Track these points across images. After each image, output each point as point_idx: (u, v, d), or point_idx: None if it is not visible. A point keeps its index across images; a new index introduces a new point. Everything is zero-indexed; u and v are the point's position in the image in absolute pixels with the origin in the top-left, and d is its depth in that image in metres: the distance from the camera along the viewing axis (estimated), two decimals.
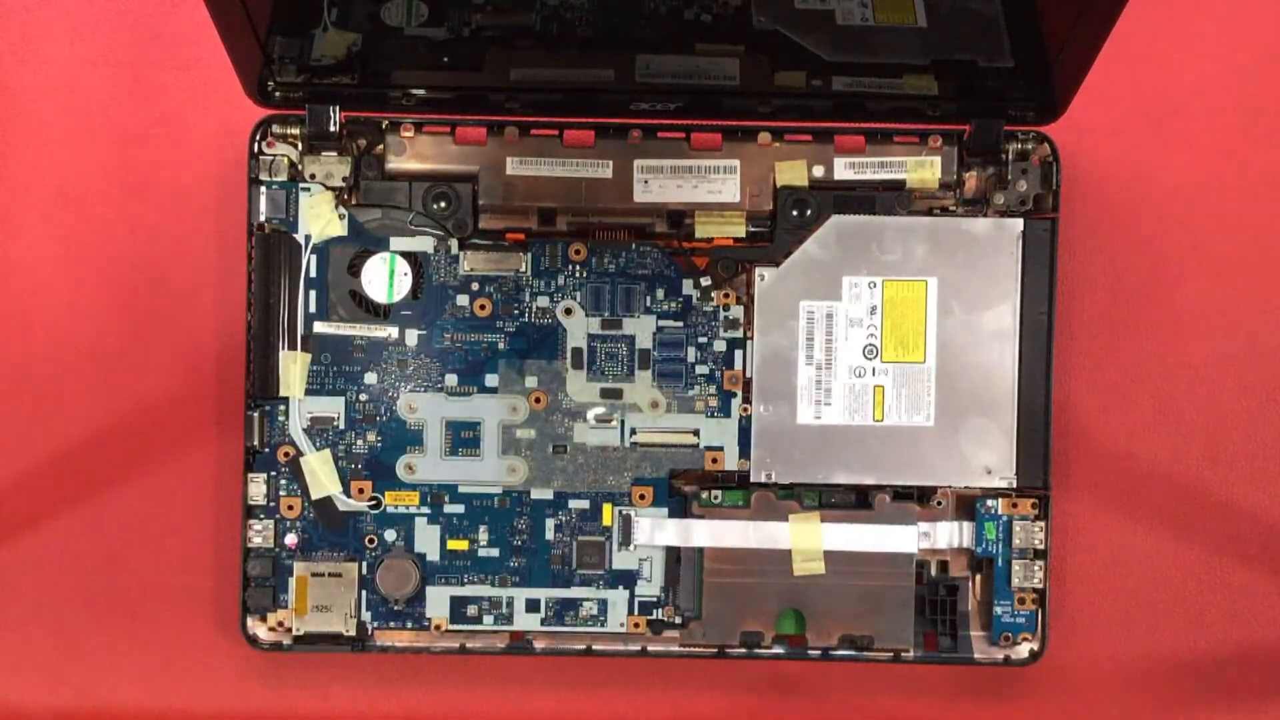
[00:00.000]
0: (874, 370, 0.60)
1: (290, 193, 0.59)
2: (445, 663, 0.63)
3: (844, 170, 0.60)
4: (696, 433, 0.60)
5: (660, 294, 0.60)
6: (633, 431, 0.60)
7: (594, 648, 0.61)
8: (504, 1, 0.53)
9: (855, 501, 0.60)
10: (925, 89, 0.57)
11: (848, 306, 0.60)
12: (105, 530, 0.63)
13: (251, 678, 0.63)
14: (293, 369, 0.59)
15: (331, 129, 0.58)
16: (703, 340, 0.60)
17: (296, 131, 0.59)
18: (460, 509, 0.60)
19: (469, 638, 0.61)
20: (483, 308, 0.60)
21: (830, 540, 0.60)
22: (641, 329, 0.60)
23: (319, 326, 0.60)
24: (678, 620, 0.60)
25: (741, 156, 0.60)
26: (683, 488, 0.60)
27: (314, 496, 0.60)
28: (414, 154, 0.60)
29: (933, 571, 0.61)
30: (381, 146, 0.60)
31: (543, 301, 0.60)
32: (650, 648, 0.61)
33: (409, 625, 0.60)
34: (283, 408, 0.60)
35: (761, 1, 0.53)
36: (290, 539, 0.60)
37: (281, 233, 0.59)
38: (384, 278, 0.60)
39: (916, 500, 0.60)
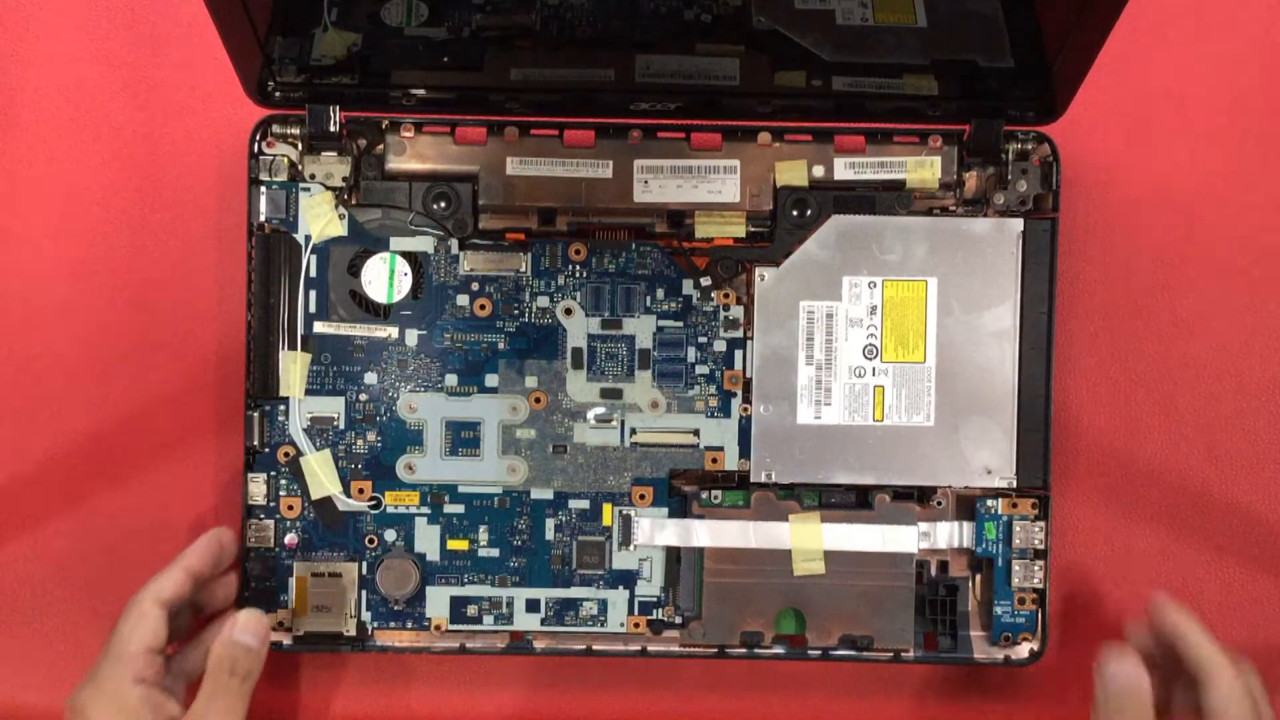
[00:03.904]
0: (874, 370, 0.60)
1: (290, 193, 0.59)
2: (445, 663, 0.63)
3: (844, 170, 0.60)
4: (696, 433, 0.60)
5: (660, 294, 0.60)
6: (633, 431, 0.60)
7: (594, 648, 0.61)
8: (504, 1, 0.53)
9: (855, 501, 0.60)
10: (925, 89, 0.57)
11: (848, 306, 0.60)
12: (105, 530, 0.63)
13: None
14: (293, 369, 0.59)
15: (331, 129, 0.58)
16: (703, 340, 0.60)
17: (296, 131, 0.59)
18: (460, 509, 0.60)
19: (469, 638, 0.61)
20: (483, 308, 0.60)
21: (830, 540, 0.60)
22: (641, 329, 0.60)
23: (319, 326, 0.60)
24: (678, 620, 0.60)
25: (741, 156, 0.60)
26: (683, 488, 0.60)
27: (314, 496, 0.60)
28: (414, 154, 0.60)
29: (933, 571, 0.61)
30: (381, 146, 0.60)
31: (543, 301, 0.60)
32: (650, 648, 0.61)
33: (409, 625, 0.60)
34: (283, 408, 0.60)
35: (761, 1, 0.53)
36: (290, 539, 0.60)
37: (281, 233, 0.59)
38: (384, 278, 0.60)
39: (916, 500, 0.60)
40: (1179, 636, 0.56)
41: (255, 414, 0.59)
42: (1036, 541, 0.60)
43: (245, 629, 0.54)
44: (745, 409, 0.60)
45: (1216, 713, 0.54)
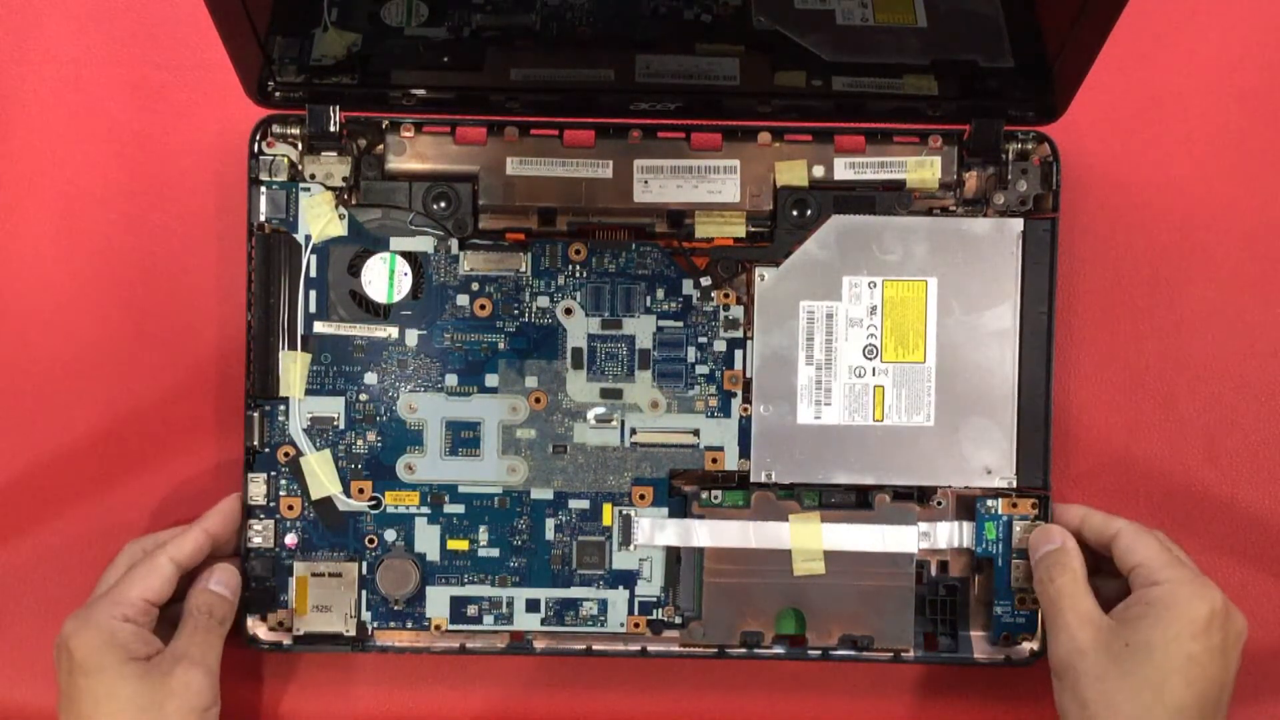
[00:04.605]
0: (874, 370, 0.60)
1: (290, 193, 0.59)
2: (445, 663, 0.63)
3: (844, 170, 0.60)
4: (696, 433, 0.60)
5: (660, 294, 0.60)
6: (633, 431, 0.60)
7: (594, 648, 0.61)
8: (504, 1, 0.53)
9: (855, 501, 0.60)
10: (925, 89, 0.57)
11: (848, 306, 0.60)
12: (105, 530, 0.63)
13: (251, 678, 0.63)
14: (293, 369, 0.59)
15: (331, 129, 0.58)
16: (703, 340, 0.60)
17: (296, 131, 0.59)
18: (460, 509, 0.60)
19: (469, 638, 0.61)
20: (483, 308, 0.60)
21: (830, 540, 0.60)
22: (641, 329, 0.60)
23: (319, 326, 0.60)
24: (678, 620, 0.60)
25: (741, 156, 0.60)
26: (683, 488, 0.60)
27: (314, 496, 0.60)
28: (414, 154, 0.60)
29: (933, 571, 0.61)
30: (381, 146, 0.60)
31: (543, 301, 0.60)
32: (650, 648, 0.61)
33: (409, 625, 0.60)
34: (283, 408, 0.60)
35: (761, 1, 0.53)
36: (290, 539, 0.60)
37: (281, 233, 0.59)
38: (384, 278, 0.60)
39: (916, 500, 0.60)
40: (1082, 527, 0.59)
41: (255, 414, 0.59)
42: None
43: (219, 581, 0.58)
44: (745, 409, 0.60)
45: (1135, 563, 0.56)
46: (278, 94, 0.57)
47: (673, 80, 0.57)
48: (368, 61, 0.56)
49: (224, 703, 0.57)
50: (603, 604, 0.60)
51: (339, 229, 0.60)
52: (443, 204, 0.60)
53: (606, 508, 0.60)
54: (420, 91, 0.58)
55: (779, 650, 0.60)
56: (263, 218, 0.59)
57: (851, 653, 0.60)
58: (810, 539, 0.60)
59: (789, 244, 0.60)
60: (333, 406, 0.60)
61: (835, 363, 0.60)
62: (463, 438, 0.60)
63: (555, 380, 0.60)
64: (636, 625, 0.60)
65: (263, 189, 0.59)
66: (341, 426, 0.60)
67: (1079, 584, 0.56)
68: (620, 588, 0.60)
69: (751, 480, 0.60)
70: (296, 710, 0.63)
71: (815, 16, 0.53)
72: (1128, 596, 0.56)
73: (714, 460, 0.60)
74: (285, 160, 0.60)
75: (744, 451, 0.60)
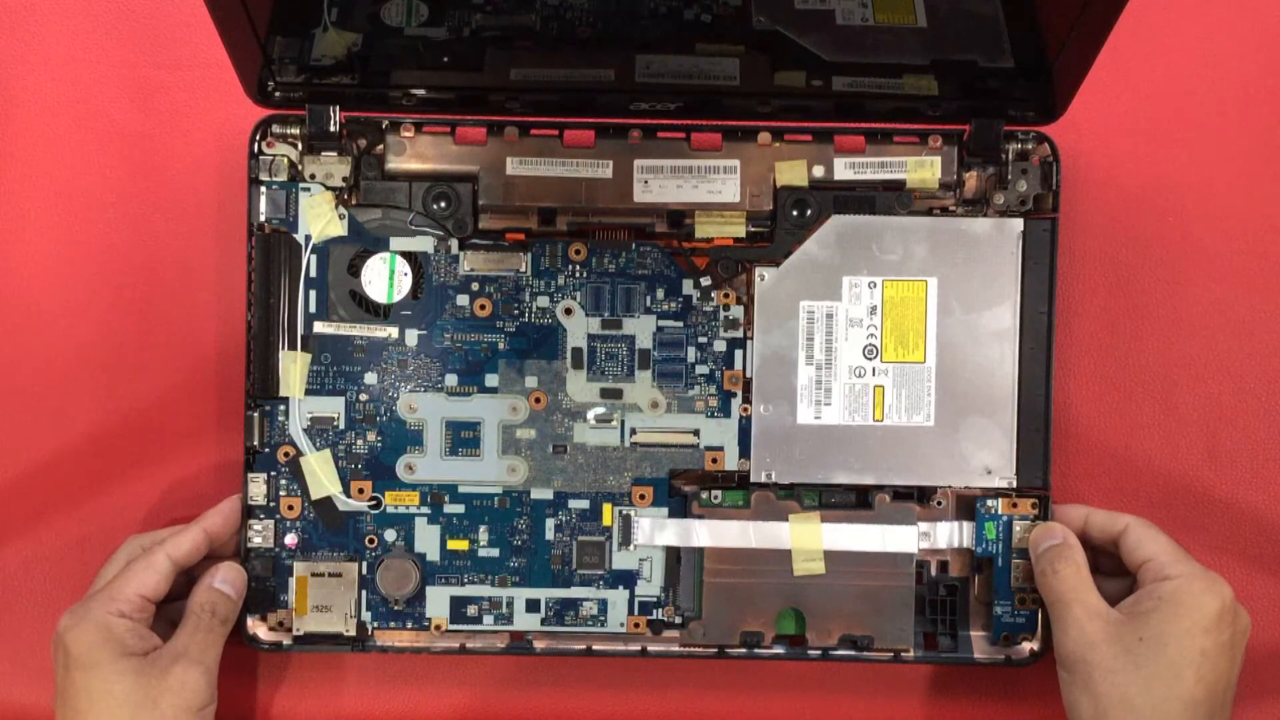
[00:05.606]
0: (874, 370, 0.60)
1: (290, 193, 0.59)
2: (445, 663, 0.63)
3: (844, 170, 0.60)
4: (696, 433, 0.60)
5: (660, 294, 0.60)
6: (633, 431, 0.60)
7: (594, 648, 0.61)
8: (504, 1, 0.53)
9: (855, 501, 0.60)
10: (925, 89, 0.57)
11: (848, 306, 0.60)
12: (105, 530, 0.63)
13: (251, 678, 0.63)
14: (293, 369, 0.59)
15: (331, 129, 0.58)
16: (703, 340, 0.60)
17: (296, 131, 0.59)
18: (460, 509, 0.60)
19: (469, 638, 0.61)
20: (483, 308, 0.60)
21: (830, 540, 0.60)
22: (641, 329, 0.60)
23: (319, 326, 0.60)
24: (678, 620, 0.60)
25: (741, 156, 0.60)
26: (683, 488, 0.60)
27: (314, 496, 0.60)
28: (414, 154, 0.60)
29: (933, 571, 0.61)
30: (381, 146, 0.60)
31: (543, 301, 0.60)
32: (650, 648, 0.61)
33: (409, 625, 0.60)
34: (283, 408, 0.60)
35: (761, 1, 0.53)
36: (290, 539, 0.60)
37: (281, 233, 0.59)
38: (384, 278, 0.60)
39: (916, 500, 0.60)
40: (1086, 524, 0.59)
41: (255, 414, 0.59)
42: None
43: (224, 579, 0.58)
44: (745, 409, 0.60)
45: (1146, 557, 0.56)
46: (278, 94, 0.57)
47: (673, 80, 0.57)
48: (368, 61, 0.56)
49: (221, 701, 0.57)
50: (603, 604, 0.60)
51: (339, 229, 0.60)
52: (443, 204, 0.60)
53: (606, 508, 0.60)
54: (420, 91, 0.58)
55: (779, 650, 0.60)
56: (263, 218, 0.59)
57: (851, 653, 0.60)
58: (810, 539, 0.60)
59: (789, 244, 0.60)
60: (333, 406, 0.60)
61: (835, 363, 0.60)
62: (463, 438, 0.60)
63: (555, 380, 0.60)
64: (636, 625, 0.60)
65: (263, 189, 0.59)
66: (341, 426, 0.60)
67: (1084, 577, 0.56)
68: (620, 588, 0.60)
69: (751, 480, 0.60)
70: (294, 709, 0.63)
71: (815, 16, 0.53)
72: (1135, 591, 0.56)
73: (714, 460, 0.60)
74: (285, 160, 0.60)
75: (744, 451, 0.60)
